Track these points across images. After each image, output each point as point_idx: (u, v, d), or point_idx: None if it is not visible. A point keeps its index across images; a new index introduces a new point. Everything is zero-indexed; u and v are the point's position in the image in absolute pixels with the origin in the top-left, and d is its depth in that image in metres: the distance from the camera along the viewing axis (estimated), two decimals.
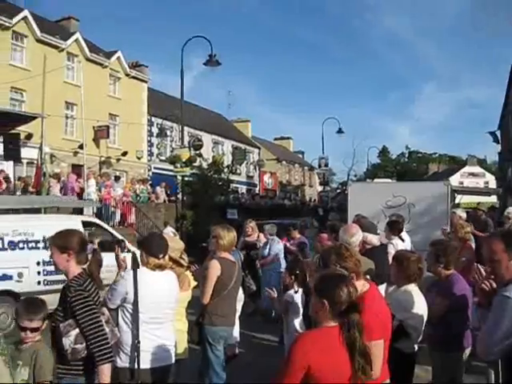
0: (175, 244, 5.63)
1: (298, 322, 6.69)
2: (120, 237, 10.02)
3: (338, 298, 3.09)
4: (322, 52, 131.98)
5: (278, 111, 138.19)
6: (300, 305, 6.64)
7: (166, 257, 4.90)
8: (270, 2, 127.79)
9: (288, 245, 12.16)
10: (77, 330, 3.94)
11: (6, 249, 10.27)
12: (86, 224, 12.17)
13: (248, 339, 9.42)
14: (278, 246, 11.79)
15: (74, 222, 11.15)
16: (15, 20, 27.95)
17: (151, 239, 5.03)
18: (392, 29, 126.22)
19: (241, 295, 7.26)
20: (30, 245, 10.65)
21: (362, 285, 3.89)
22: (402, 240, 8.36)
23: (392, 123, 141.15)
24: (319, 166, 47.38)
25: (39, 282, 10.34)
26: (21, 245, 10.56)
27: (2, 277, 9.01)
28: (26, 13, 28.75)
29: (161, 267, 4.81)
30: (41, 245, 10.63)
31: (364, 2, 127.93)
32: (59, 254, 4.16)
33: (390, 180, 25.99)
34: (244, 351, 8.31)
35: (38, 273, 10.33)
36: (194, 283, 6.02)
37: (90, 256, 4.38)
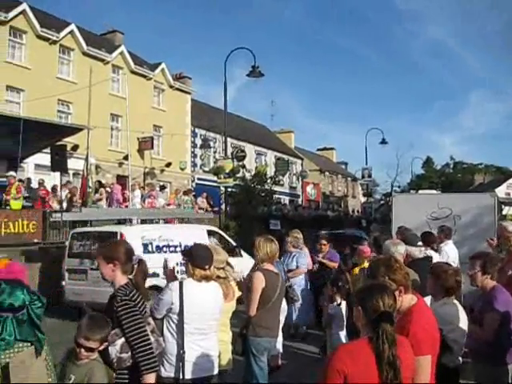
0: (219, 255, 5.65)
1: (343, 335, 6.64)
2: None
3: (373, 307, 3.05)
4: (365, 62, 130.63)
5: (320, 122, 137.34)
6: (344, 317, 6.59)
7: (212, 268, 4.93)
8: (312, 13, 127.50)
9: (320, 257, 11.87)
10: (123, 339, 3.97)
11: (154, 252, 12.88)
12: (209, 233, 14.77)
13: (291, 350, 9.38)
14: (305, 260, 11.26)
15: (201, 231, 14.28)
16: (62, 34, 28.65)
17: (197, 250, 5.04)
18: (436, 38, 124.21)
19: (284, 306, 7.23)
20: (171, 249, 13.27)
21: (410, 298, 3.85)
22: (435, 251, 8.27)
23: (436, 133, 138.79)
24: (362, 177, 47.10)
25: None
26: (164, 249, 13.26)
27: (152, 274, 9.77)
28: (72, 27, 29.42)
29: (206, 278, 4.84)
30: (178, 249, 12.76)
31: (407, 12, 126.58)
32: (105, 264, 4.22)
33: (434, 191, 25.54)
34: (286, 362, 8.27)
35: (177, 271, 11.48)
36: (238, 294, 6.03)
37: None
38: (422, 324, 3.61)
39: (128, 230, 13.04)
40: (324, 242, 11.97)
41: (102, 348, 3.91)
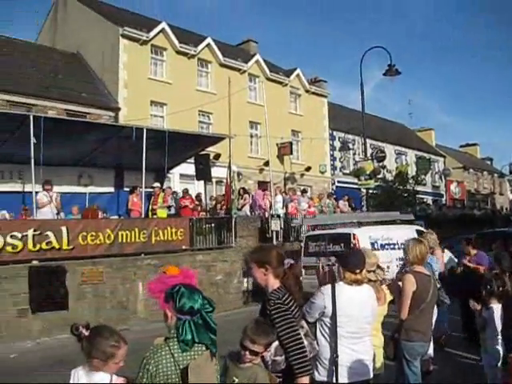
0: (370, 258, 5.57)
1: (498, 339, 6.27)
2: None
3: None
4: (507, 56, 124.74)
5: (461, 118, 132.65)
6: (498, 322, 6.22)
7: (364, 271, 4.86)
8: (445, 9, 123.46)
9: (465, 261, 11.19)
10: (276, 343, 3.97)
11: (379, 249, 14.54)
12: (417, 232, 15.24)
13: (444, 355, 8.98)
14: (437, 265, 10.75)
15: (412, 231, 15.32)
16: (200, 48, 29.67)
17: (348, 254, 5.01)
18: None
19: (435, 309, 6.95)
20: (391, 246, 15.22)
21: None
22: None
23: None
24: (510, 173, 44.71)
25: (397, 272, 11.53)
26: (386, 246, 15.12)
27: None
28: (209, 40, 30.35)
29: (357, 282, 4.78)
30: (397, 246, 14.83)
31: None
32: (257, 268, 4.28)
33: None
34: (438, 368, 7.92)
35: (397, 266, 12.24)
36: (389, 297, 5.87)
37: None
38: None
39: (359, 232, 15.26)
40: (469, 247, 11.36)
41: (264, 353, 3.94)
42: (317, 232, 17.47)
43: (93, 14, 28.99)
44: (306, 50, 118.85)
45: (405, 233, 14.58)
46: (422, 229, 16.30)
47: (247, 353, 3.82)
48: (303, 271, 15.00)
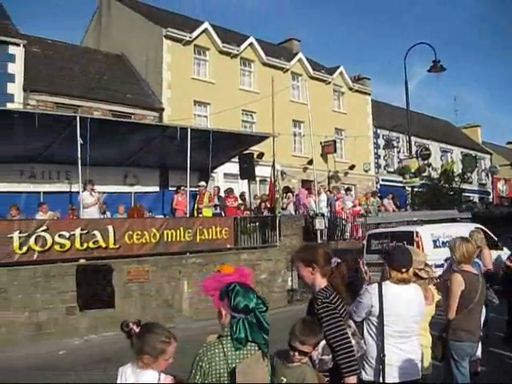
0: (418, 256, 5.47)
1: None
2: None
3: None
4: None
5: (508, 114, 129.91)
6: None
7: (410, 270, 4.80)
8: (492, 4, 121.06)
9: (508, 262, 10.86)
10: (324, 342, 3.96)
11: (440, 246, 14.97)
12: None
13: (494, 357, 8.77)
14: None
15: (469, 228, 14.21)
16: (242, 47, 29.76)
17: (394, 253, 4.98)
18: None
19: (483, 309, 6.80)
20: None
21: None
22: None
23: None
24: None
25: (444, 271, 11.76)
26: (447, 244, 13.37)
27: (439, 265, 10.58)
28: (251, 39, 30.43)
29: (404, 281, 4.72)
30: None
31: None
32: (304, 267, 4.27)
33: None
34: (487, 370, 7.73)
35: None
36: (437, 297, 5.77)
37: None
38: None
39: (422, 229, 15.84)
40: None
41: (312, 353, 3.94)
42: (379, 230, 17.91)
43: (136, 16, 29.35)
44: (348, 48, 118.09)
45: (463, 230, 14.57)
46: (480, 226, 16.12)
47: (296, 353, 3.81)
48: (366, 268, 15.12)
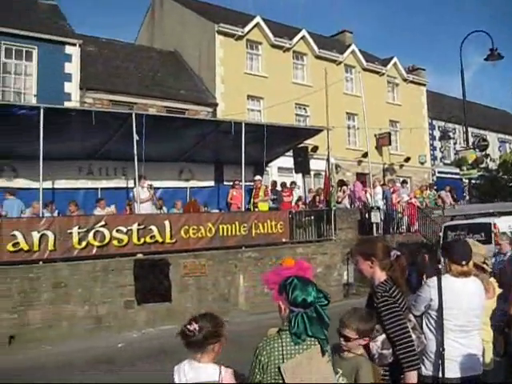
0: (478, 249, 5.35)
1: None
2: None
3: None
4: None
5: None
6: None
7: (470, 263, 4.68)
8: None
9: None
10: (383, 336, 3.93)
11: None
12: None
13: None
14: None
15: None
16: (295, 40, 29.70)
17: (454, 246, 4.87)
18: None
19: None
20: None
21: None
22: None
23: None
24: None
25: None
26: None
27: None
28: (303, 32, 30.38)
29: (464, 274, 4.60)
30: None
31: None
32: (363, 260, 4.23)
33: None
34: None
35: None
36: (498, 290, 5.62)
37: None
38: None
39: (499, 221, 15.54)
40: None
41: (364, 343, 3.93)
42: (455, 222, 17.58)
43: (188, 12, 29.63)
44: (402, 38, 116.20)
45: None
46: None
47: (341, 339, 3.88)
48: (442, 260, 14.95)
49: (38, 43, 21.76)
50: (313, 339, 3.28)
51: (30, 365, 10.61)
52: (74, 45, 22.60)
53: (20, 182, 16.52)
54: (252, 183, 18.89)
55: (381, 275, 4.15)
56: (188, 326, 3.40)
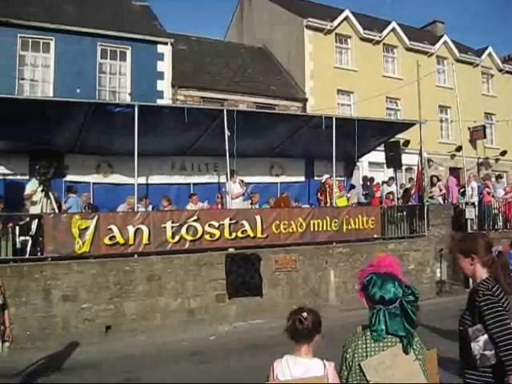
0: None
1: None
2: None
3: None
4: None
5: None
6: None
7: None
8: None
9: None
10: (486, 336, 3.79)
11: None
12: None
13: None
14: None
15: None
16: (385, 33, 29.27)
17: None
18: None
19: None
20: None
21: None
22: None
23: None
24: None
25: None
26: None
27: None
28: (393, 24, 29.87)
29: None
30: None
31: None
32: (463, 258, 4.09)
33: None
34: None
35: None
36: None
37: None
38: None
39: None
40: None
41: None
42: None
43: (276, 8, 29.72)
44: (497, 27, 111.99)
45: None
46: None
47: None
48: None
49: (132, 43, 22.44)
50: (394, 337, 3.21)
51: (128, 353, 11.02)
52: (166, 44, 23.12)
53: (116, 178, 17.09)
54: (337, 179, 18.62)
55: (482, 273, 4.00)
56: (302, 314, 3.41)
